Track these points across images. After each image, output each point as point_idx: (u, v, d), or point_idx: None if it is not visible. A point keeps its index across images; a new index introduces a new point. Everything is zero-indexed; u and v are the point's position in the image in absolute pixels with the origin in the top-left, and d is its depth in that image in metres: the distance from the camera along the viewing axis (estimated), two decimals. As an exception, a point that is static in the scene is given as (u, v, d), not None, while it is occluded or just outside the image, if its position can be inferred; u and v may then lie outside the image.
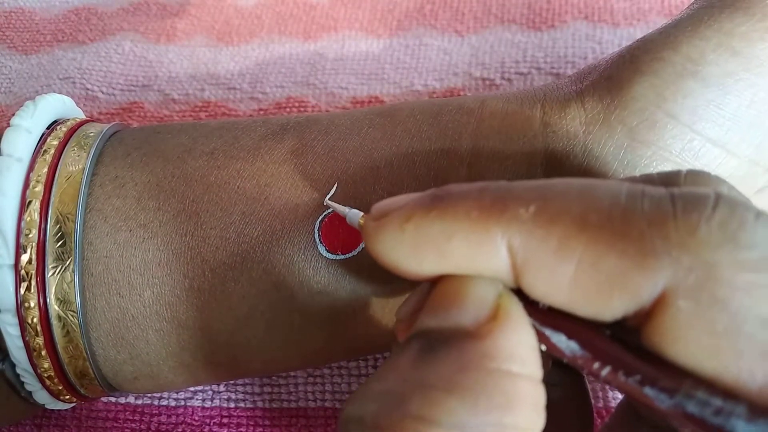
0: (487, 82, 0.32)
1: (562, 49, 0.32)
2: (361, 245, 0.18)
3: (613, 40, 0.32)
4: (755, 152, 0.17)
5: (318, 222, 0.18)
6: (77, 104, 0.32)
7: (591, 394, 0.17)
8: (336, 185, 0.18)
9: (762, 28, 0.17)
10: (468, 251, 0.13)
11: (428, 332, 0.13)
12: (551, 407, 0.13)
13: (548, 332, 0.13)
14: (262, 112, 0.32)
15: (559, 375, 0.16)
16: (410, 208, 0.13)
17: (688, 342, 0.11)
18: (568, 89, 0.19)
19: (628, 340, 0.12)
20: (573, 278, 0.12)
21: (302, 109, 0.32)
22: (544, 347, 0.13)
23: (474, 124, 0.19)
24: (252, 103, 0.32)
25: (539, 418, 0.12)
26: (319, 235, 0.18)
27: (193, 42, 0.35)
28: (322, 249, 0.18)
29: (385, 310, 0.19)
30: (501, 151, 0.18)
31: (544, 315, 0.13)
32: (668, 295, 0.11)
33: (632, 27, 0.33)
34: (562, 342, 0.12)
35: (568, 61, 0.32)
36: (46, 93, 0.32)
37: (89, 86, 0.33)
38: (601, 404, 0.23)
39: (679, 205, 0.12)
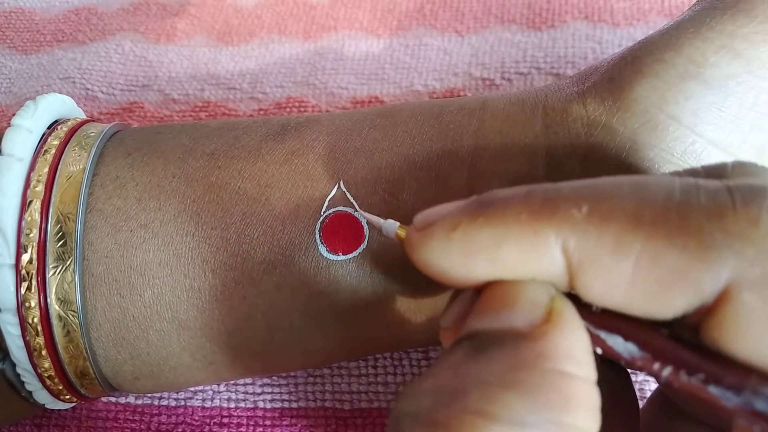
0: (487, 82, 0.32)
1: (562, 49, 0.32)
2: (362, 246, 0.18)
3: (613, 40, 0.32)
4: (757, 154, 0.17)
5: (319, 223, 0.18)
6: (77, 104, 0.32)
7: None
8: (339, 184, 0.18)
9: (764, 30, 0.16)
10: (520, 256, 0.12)
11: (479, 333, 0.12)
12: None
13: (604, 335, 0.12)
14: (262, 112, 0.32)
15: (603, 372, 0.16)
16: (456, 216, 0.13)
17: (753, 336, 0.11)
18: (569, 90, 0.19)
19: (685, 339, 0.12)
20: (632, 276, 0.12)
21: (302, 109, 0.32)
22: (599, 350, 0.12)
23: (475, 125, 0.19)
24: (252, 103, 0.32)
25: (596, 421, 0.12)
26: (320, 236, 0.18)
27: (193, 42, 0.35)
28: (322, 250, 0.18)
29: (386, 311, 0.19)
30: (503, 152, 0.18)
31: (598, 318, 0.12)
32: (732, 288, 0.11)
33: (632, 27, 0.33)
34: (619, 344, 0.12)
35: (568, 61, 0.32)
36: (46, 93, 0.32)
37: (89, 86, 0.33)
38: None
39: (737, 197, 0.12)
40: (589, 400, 0.12)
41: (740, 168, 0.13)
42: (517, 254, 0.12)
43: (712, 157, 0.17)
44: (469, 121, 0.19)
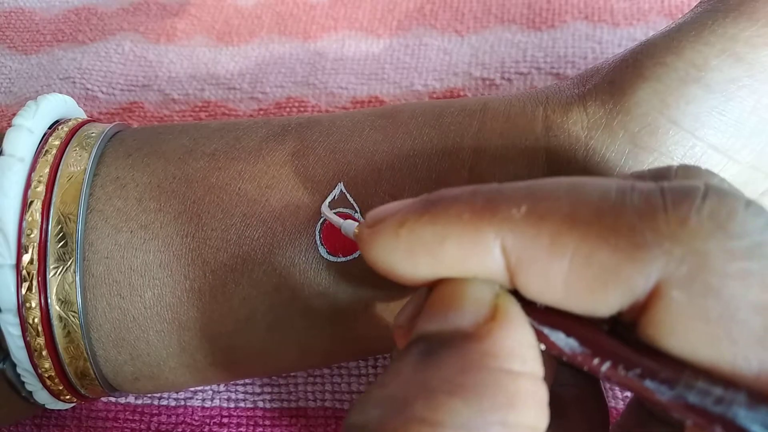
0: (487, 82, 0.32)
1: (562, 49, 0.32)
2: None
3: (613, 40, 0.32)
4: (756, 159, 0.17)
5: (319, 224, 0.18)
6: (77, 104, 0.32)
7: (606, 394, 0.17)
8: (339, 186, 0.18)
9: (766, 34, 0.16)
10: (461, 253, 0.13)
11: (428, 336, 0.13)
12: (565, 407, 0.12)
13: (546, 331, 0.13)
14: (262, 112, 0.32)
15: (573, 375, 0.16)
16: (403, 214, 0.13)
17: (683, 332, 0.11)
18: (570, 92, 0.19)
19: (625, 335, 0.12)
20: (567, 275, 0.12)
21: (302, 109, 0.32)
22: (543, 346, 0.13)
23: (476, 127, 0.19)
24: (252, 103, 0.32)
25: (543, 416, 0.12)
26: (320, 237, 0.18)
27: (193, 42, 0.35)
28: (323, 251, 0.18)
29: (386, 313, 0.19)
30: (503, 154, 0.18)
31: (541, 314, 0.13)
32: (662, 286, 0.11)
33: (632, 27, 0.33)
34: (561, 340, 0.12)
35: (568, 61, 0.32)
36: (46, 93, 0.32)
37: (89, 86, 0.33)
38: (612, 404, 0.23)
39: (668, 198, 0.12)
40: (535, 396, 0.12)
41: (684, 171, 0.14)
42: (458, 252, 0.13)
43: (712, 161, 0.17)
44: (470, 122, 0.19)
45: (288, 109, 0.32)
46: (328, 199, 0.18)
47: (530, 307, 0.13)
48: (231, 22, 0.36)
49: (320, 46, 0.34)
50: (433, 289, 0.13)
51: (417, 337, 0.13)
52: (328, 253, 0.18)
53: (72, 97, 0.33)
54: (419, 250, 0.13)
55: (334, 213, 0.18)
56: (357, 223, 0.16)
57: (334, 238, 0.18)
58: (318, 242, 0.18)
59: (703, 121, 0.17)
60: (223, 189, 0.19)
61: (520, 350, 0.12)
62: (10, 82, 0.34)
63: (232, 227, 0.18)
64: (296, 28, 0.35)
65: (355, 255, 0.18)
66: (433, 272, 0.13)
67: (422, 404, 0.11)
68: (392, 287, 0.18)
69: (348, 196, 0.18)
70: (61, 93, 0.33)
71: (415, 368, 0.12)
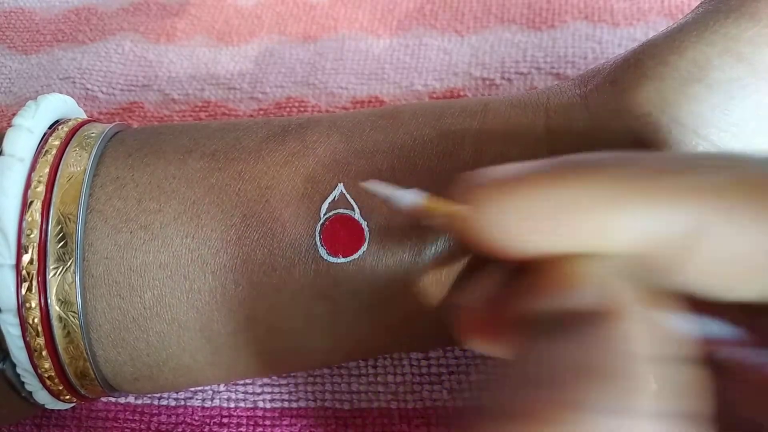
0: (487, 82, 0.32)
1: (562, 49, 0.32)
2: (362, 249, 0.18)
3: (613, 40, 0.33)
4: None
5: (319, 225, 0.18)
6: (77, 104, 0.32)
7: None
8: (339, 186, 0.18)
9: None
10: (602, 224, 0.11)
11: (545, 315, 0.11)
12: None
13: (689, 318, 0.11)
14: (262, 112, 0.32)
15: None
16: (533, 175, 0.12)
17: None
18: (572, 93, 0.19)
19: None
20: (751, 248, 0.11)
21: (302, 109, 0.32)
22: (686, 332, 0.11)
23: (477, 128, 0.19)
24: (252, 103, 0.32)
25: (699, 404, 0.11)
26: (320, 238, 0.18)
27: (193, 42, 0.35)
28: (323, 252, 0.18)
29: (386, 314, 0.19)
30: (504, 155, 0.18)
31: (684, 303, 0.12)
32: None
33: (632, 27, 0.33)
34: (710, 326, 0.11)
35: (568, 61, 0.32)
36: (46, 93, 0.32)
37: (89, 86, 0.33)
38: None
39: None
40: (679, 381, 0.11)
41: None
42: (598, 223, 0.11)
43: None
44: (471, 123, 0.19)
45: (288, 109, 0.32)
46: (329, 200, 0.18)
47: (673, 296, 0.12)
48: (231, 22, 0.36)
49: (320, 46, 0.34)
50: (525, 268, 0.12)
51: (531, 316, 0.12)
52: (329, 254, 0.18)
53: (72, 97, 0.33)
54: (544, 219, 0.11)
55: (333, 214, 0.18)
56: (420, 193, 0.14)
57: (334, 239, 0.18)
58: (318, 243, 0.18)
59: (706, 119, 0.17)
60: (222, 189, 0.19)
61: (658, 334, 0.11)
62: (10, 82, 0.34)
63: (232, 228, 0.18)
64: (296, 28, 0.35)
65: (356, 256, 0.18)
66: (559, 245, 0.11)
67: (565, 386, 0.10)
68: (392, 288, 0.18)
69: (348, 196, 0.18)
70: (61, 93, 0.33)
71: (544, 347, 0.11)
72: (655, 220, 0.11)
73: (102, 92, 0.33)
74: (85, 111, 0.32)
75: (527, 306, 0.12)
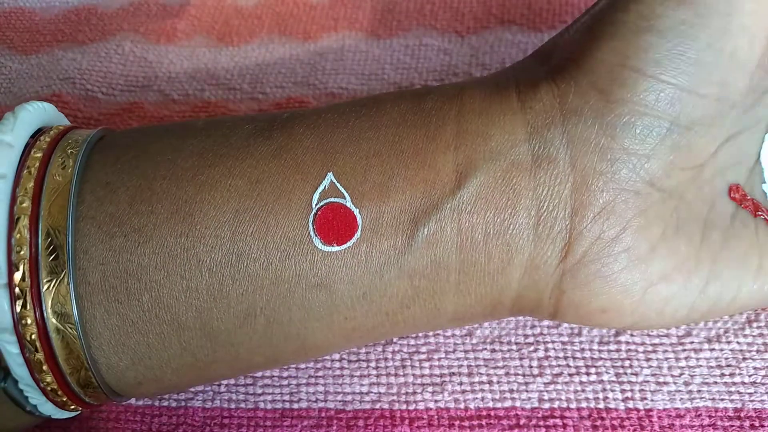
0: (488, 83, 0.32)
1: (562, 49, 0.32)
2: (356, 236, 0.18)
3: (613, 41, 0.33)
4: (719, 90, 0.18)
5: (312, 215, 0.18)
6: (77, 105, 0.32)
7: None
8: (329, 175, 0.19)
9: None
10: None
11: None
12: None
13: None
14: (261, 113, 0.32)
15: None
16: None
17: None
18: (537, 70, 0.20)
19: None
20: None
21: (302, 109, 0.32)
22: None
23: (456, 109, 0.20)
24: (252, 104, 0.32)
25: None
26: (313, 228, 0.18)
27: (193, 42, 0.35)
28: (317, 242, 0.18)
29: (384, 300, 0.19)
30: (485, 131, 0.19)
31: None
32: None
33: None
34: None
35: (568, 61, 0.32)
36: (46, 93, 0.32)
37: (89, 87, 0.33)
38: (601, 405, 0.23)
39: None
40: None
41: None
42: None
43: (683, 100, 0.18)
44: (450, 106, 0.20)
45: (288, 110, 0.32)
46: (319, 189, 0.18)
47: None
48: (231, 22, 0.36)
49: (320, 46, 0.34)
50: None
51: None
52: (323, 243, 0.18)
53: (72, 97, 0.33)
54: None
55: (325, 203, 0.18)
56: None
57: (327, 228, 0.18)
58: (312, 233, 0.18)
59: (665, 65, 0.18)
60: (213, 186, 0.19)
61: None
62: (10, 82, 0.34)
63: (225, 224, 0.18)
64: (296, 28, 0.35)
65: (350, 244, 0.18)
66: None
67: None
68: (388, 273, 0.19)
69: (338, 185, 0.19)
70: (61, 93, 0.33)
71: None
72: None
73: (102, 93, 0.33)
74: (86, 112, 0.32)
75: None
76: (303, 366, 0.24)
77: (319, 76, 0.33)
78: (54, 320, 0.18)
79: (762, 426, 0.22)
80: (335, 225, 0.18)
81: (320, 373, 0.24)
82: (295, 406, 0.23)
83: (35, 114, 0.20)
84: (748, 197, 0.21)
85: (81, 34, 0.36)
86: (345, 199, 0.18)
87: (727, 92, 0.19)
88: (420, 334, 0.25)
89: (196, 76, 0.34)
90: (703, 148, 0.19)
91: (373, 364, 0.24)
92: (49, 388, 0.18)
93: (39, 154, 0.19)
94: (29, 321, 0.17)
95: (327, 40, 0.35)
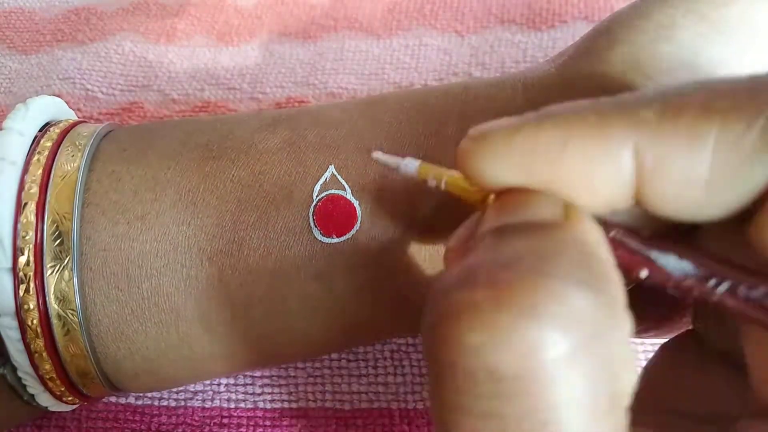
0: (487, 82, 0.32)
1: (562, 49, 0.32)
2: (355, 228, 0.18)
3: (613, 40, 0.32)
4: None
5: (312, 207, 0.18)
6: (77, 104, 0.32)
7: None
8: (330, 168, 0.19)
9: None
10: (584, 160, 0.12)
11: (501, 227, 0.12)
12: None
13: (655, 254, 0.12)
14: (262, 112, 0.32)
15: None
16: (518, 122, 0.13)
17: None
18: (546, 67, 0.20)
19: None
20: (710, 166, 0.11)
21: (302, 109, 0.32)
22: (646, 273, 0.12)
23: (459, 107, 0.20)
24: (252, 103, 0.32)
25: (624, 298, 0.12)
26: (313, 219, 0.18)
27: (193, 42, 0.35)
28: (317, 233, 0.18)
29: (381, 293, 0.19)
30: None
31: (647, 240, 0.12)
32: None
33: (632, 27, 0.33)
34: (671, 263, 0.12)
35: (568, 61, 0.32)
36: (46, 93, 0.32)
37: (89, 86, 0.33)
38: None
39: None
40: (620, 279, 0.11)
41: None
42: (581, 159, 0.12)
43: None
44: (453, 104, 0.20)
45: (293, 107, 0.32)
46: (320, 182, 0.19)
47: (633, 234, 0.12)
48: (231, 22, 0.36)
49: (320, 46, 0.34)
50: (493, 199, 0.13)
51: (489, 229, 0.12)
52: (322, 234, 0.18)
53: (72, 97, 0.33)
54: (536, 159, 0.12)
55: (325, 195, 0.18)
56: (418, 161, 0.15)
57: (327, 219, 0.18)
58: (312, 224, 0.18)
59: (677, 75, 0.18)
60: (217, 177, 0.19)
61: (602, 241, 0.12)
62: (10, 82, 0.34)
63: (227, 213, 0.18)
64: (296, 28, 0.35)
65: (349, 236, 0.18)
66: (548, 180, 0.12)
67: (534, 260, 0.11)
68: (388, 265, 0.19)
69: (339, 177, 0.19)
70: (61, 93, 0.33)
71: (490, 245, 0.12)
72: (602, 159, 0.12)
73: (102, 92, 0.33)
74: (86, 111, 0.32)
75: (490, 225, 0.12)
76: (302, 365, 0.24)
77: (319, 76, 0.33)
78: (56, 305, 0.18)
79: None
80: (335, 216, 0.18)
81: (319, 373, 0.24)
82: (294, 405, 0.23)
83: (46, 106, 0.20)
84: None
85: (81, 34, 0.36)
86: (345, 191, 0.19)
87: None
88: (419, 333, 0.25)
89: (196, 75, 0.34)
90: None
91: (372, 363, 0.24)
92: (47, 377, 0.18)
93: (49, 143, 0.19)
94: (31, 306, 0.17)
95: (327, 40, 0.35)
